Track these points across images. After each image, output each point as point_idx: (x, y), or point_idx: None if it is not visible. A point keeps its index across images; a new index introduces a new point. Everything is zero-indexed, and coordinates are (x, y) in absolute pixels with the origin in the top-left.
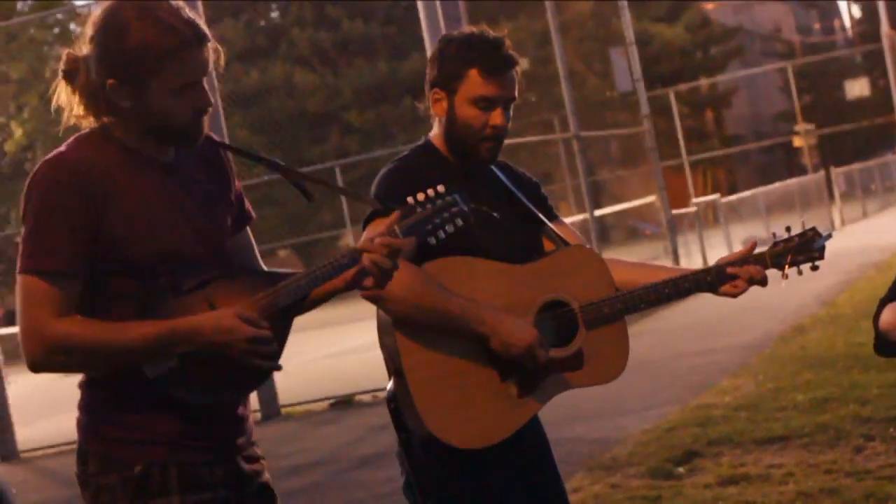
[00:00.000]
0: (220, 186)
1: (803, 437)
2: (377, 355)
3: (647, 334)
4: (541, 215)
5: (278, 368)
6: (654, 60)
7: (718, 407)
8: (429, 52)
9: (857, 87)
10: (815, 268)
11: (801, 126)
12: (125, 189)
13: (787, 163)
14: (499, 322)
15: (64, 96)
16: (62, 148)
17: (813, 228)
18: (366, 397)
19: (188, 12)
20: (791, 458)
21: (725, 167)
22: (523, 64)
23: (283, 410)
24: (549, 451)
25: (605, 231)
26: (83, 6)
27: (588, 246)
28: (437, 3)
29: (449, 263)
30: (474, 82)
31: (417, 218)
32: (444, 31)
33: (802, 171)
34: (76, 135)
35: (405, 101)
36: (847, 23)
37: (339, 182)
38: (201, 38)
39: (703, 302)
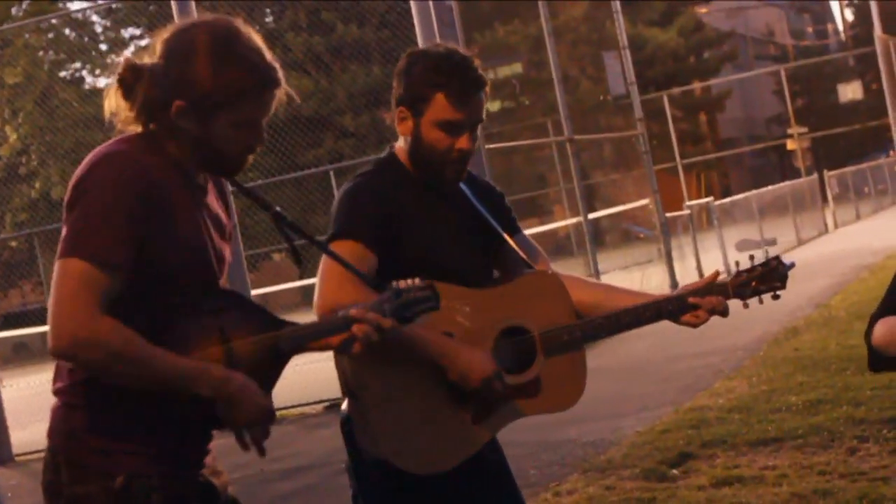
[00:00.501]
0: (225, 219)
1: (797, 439)
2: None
3: (642, 337)
4: (503, 231)
5: (262, 454)
6: (647, 64)
7: (712, 409)
8: None
9: (850, 91)
10: (776, 297)
11: (794, 129)
12: (169, 201)
13: (780, 166)
14: (457, 354)
15: (114, 101)
16: (119, 145)
17: (777, 258)
18: None
19: (269, 53)
20: (785, 459)
21: (719, 170)
22: (517, 68)
23: (278, 413)
24: (508, 472)
25: (599, 234)
26: (77, 11)
27: (548, 269)
28: (431, 7)
29: None
30: (441, 106)
31: (401, 303)
32: (438, 36)
33: (796, 174)
34: (127, 135)
35: None
36: (840, 26)
37: (334, 185)
38: (278, 82)
39: None
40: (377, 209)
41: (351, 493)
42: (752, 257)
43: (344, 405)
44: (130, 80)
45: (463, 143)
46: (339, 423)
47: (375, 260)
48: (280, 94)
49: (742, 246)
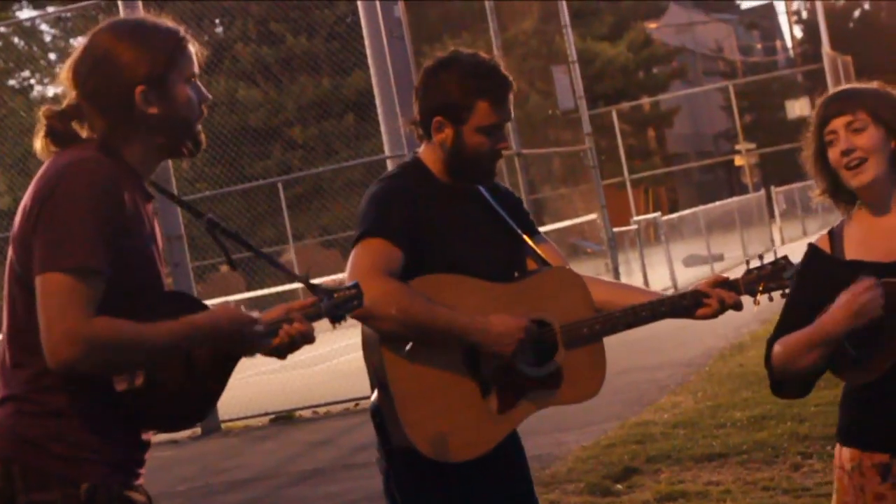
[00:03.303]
0: (156, 225)
1: (741, 455)
2: (318, 371)
3: None
4: (523, 233)
5: (283, 357)
6: (596, 79)
7: (657, 424)
8: (372, 69)
9: (798, 107)
10: (784, 295)
11: (742, 145)
12: (135, 209)
13: (728, 181)
14: (487, 322)
15: (45, 148)
16: (83, 152)
17: (785, 257)
18: (306, 413)
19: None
20: (729, 475)
21: (667, 185)
22: None
23: (224, 425)
24: (526, 466)
25: None
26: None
27: (568, 267)
28: (381, 20)
29: (434, 280)
30: (484, 113)
31: (333, 303)
32: (386, 48)
33: (743, 189)
34: (83, 143)
35: (348, 117)
36: (789, 43)
37: (282, 200)
38: (187, 36)
39: None
40: (404, 210)
41: (382, 483)
42: (761, 256)
43: (373, 396)
44: (61, 127)
45: (504, 141)
46: (369, 413)
47: (403, 257)
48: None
49: (689, 262)
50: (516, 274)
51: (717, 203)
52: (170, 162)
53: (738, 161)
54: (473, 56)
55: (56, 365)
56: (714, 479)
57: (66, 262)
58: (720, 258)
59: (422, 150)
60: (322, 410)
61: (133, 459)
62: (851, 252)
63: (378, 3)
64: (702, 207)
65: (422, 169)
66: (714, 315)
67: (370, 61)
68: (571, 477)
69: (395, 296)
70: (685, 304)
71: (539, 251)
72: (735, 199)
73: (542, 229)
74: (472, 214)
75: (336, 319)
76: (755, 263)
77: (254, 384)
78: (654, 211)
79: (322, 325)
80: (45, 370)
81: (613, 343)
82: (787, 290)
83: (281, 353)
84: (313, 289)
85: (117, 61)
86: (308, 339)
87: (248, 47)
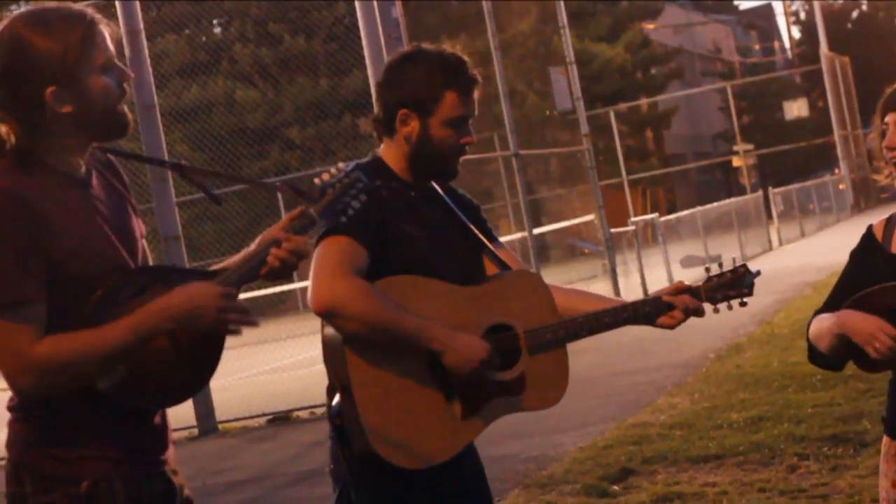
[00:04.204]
0: (121, 194)
1: (738, 456)
2: (315, 371)
3: (585, 352)
4: (483, 238)
5: (255, 324)
6: (594, 80)
7: (654, 425)
8: (370, 70)
9: (796, 108)
10: (743, 304)
11: (740, 146)
12: (61, 211)
13: (726, 182)
14: (452, 339)
15: None
16: None
17: (744, 265)
18: (303, 414)
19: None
20: (725, 476)
21: (665, 186)
22: None
23: (221, 426)
24: (483, 478)
25: (544, 249)
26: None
27: (532, 271)
28: (378, 21)
29: (396, 282)
30: (451, 104)
31: (327, 201)
32: (384, 49)
33: (741, 190)
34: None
35: (346, 117)
36: (787, 44)
37: (280, 199)
38: (95, 18)
39: None
40: (367, 209)
41: (337, 491)
42: (720, 264)
43: (335, 399)
44: None
45: (468, 137)
46: (324, 419)
47: (368, 257)
48: (109, 30)
49: (686, 262)
50: (479, 277)
51: (715, 204)
52: (166, 155)
53: (736, 162)
54: (439, 49)
55: (20, 395)
56: (710, 481)
57: None
58: (718, 259)
59: (381, 149)
60: (320, 411)
61: (140, 448)
62: None
63: (376, 4)
64: (700, 208)
65: (383, 168)
66: (674, 326)
67: (368, 62)
68: (568, 478)
69: (362, 296)
70: (647, 312)
71: (500, 256)
72: (733, 199)
73: (539, 230)
74: (435, 216)
75: (338, 216)
76: (715, 271)
77: (251, 385)
78: (652, 212)
79: (307, 329)
80: None
81: (610, 344)
82: (745, 301)
83: (276, 276)
84: (301, 194)
85: (23, 62)
86: (301, 254)
87: (247, 48)
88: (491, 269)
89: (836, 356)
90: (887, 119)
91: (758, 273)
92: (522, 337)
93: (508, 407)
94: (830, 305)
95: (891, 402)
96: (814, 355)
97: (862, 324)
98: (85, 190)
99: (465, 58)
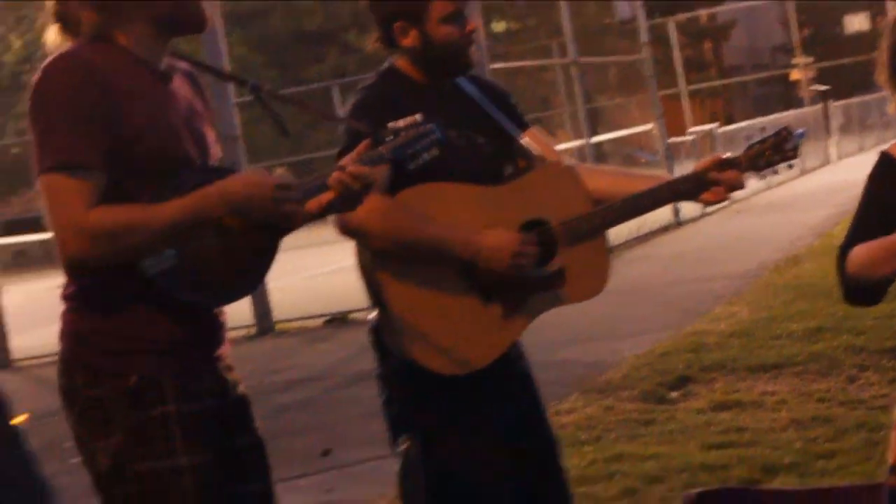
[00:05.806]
0: (200, 100)
1: (797, 366)
2: None
3: (643, 260)
4: (513, 127)
5: (313, 219)
6: None
7: (712, 334)
8: None
9: (857, 22)
10: (791, 166)
11: (799, 59)
12: (134, 89)
13: (784, 95)
14: (479, 239)
15: (58, 39)
16: (70, 48)
17: (786, 128)
18: (360, 315)
19: None
20: (784, 385)
21: (723, 98)
22: None
23: (278, 326)
24: (532, 382)
25: (601, 158)
26: None
27: (561, 161)
28: None
29: (422, 191)
30: (440, 4)
31: (399, 142)
32: None
33: (799, 103)
34: (78, 38)
35: None
36: None
37: (337, 102)
38: None
39: (699, 230)
40: (387, 118)
41: (382, 401)
42: (762, 129)
43: (372, 314)
44: (65, 11)
45: (470, 26)
46: (367, 331)
47: (390, 169)
48: None
49: None
50: (508, 172)
51: (773, 116)
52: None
53: (795, 75)
54: None
55: (67, 261)
56: (769, 390)
57: (51, 161)
58: (774, 171)
59: (395, 58)
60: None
61: (191, 342)
62: None
63: None
64: (758, 120)
65: (399, 75)
66: (720, 200)
67: None
68: (626, 384)
69: (384, 212)
70: (687, 189)
71: (530, 144)
72: (791, 112)
73: (597, 139)
74: (455, 113)
75: (406, 160)
76: (756, 138)
77: (309, 286)
78: (709, 123)
79: None
80: None
81: (666, 254)
82: (791, 163)
83: (336, 208)
84: (370, 135)
85: None
86: (365, 181)
87: None
88: (524, 157)
89: (893, 280)
90: None
91: (802, 134)
92: (558, 229)
93: (551, 301)
94: (860, 236)
95: None
96: (851, 292)
97: None
98: (164, 82)
99: None
